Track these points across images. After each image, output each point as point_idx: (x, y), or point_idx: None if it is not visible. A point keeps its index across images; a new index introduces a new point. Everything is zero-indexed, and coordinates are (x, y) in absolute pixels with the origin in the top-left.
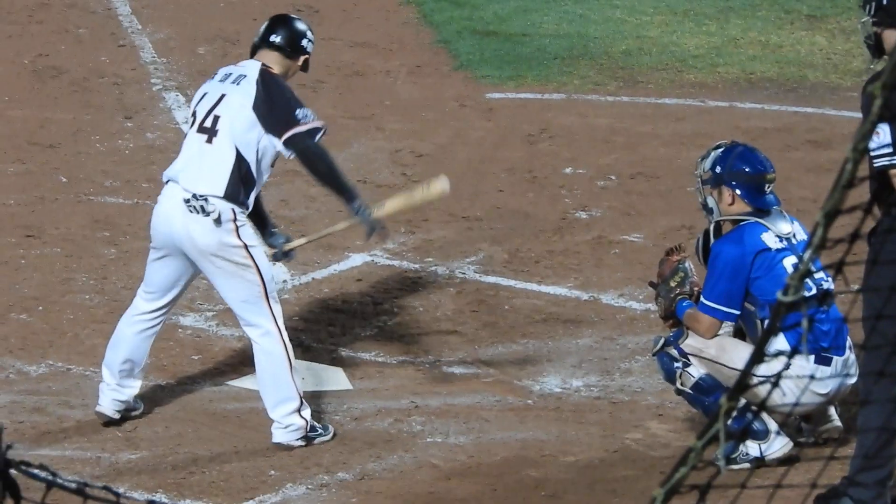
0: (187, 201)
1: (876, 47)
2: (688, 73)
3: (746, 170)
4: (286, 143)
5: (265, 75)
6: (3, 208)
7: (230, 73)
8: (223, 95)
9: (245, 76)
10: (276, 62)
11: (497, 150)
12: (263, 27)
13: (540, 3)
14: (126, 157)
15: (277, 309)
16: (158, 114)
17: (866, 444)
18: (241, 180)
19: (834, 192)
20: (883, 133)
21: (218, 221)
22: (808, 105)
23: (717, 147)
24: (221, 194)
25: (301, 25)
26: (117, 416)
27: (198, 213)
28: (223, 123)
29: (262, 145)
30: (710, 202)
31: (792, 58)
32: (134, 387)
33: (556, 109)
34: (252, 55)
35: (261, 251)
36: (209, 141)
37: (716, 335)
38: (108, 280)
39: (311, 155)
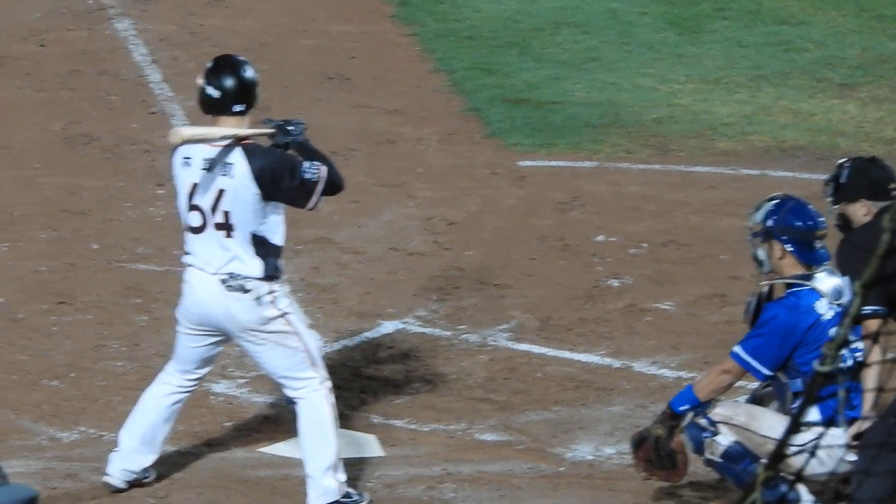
0: (224, 281)
1: None
2: (719, 140)
3: (797, 225)
4: (311, 208)
5: (250, 155)
6: (35, 275)
7: (212, 160)
8: (222, 190)
9: (231, 164)
10: (241, 123)
11: (528, 218)
12: (220, 94)
13: (571, 71)
14: (157, 223)
15: (323, 370)
16: None
17: None
18: (271, 254)
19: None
20: None
21: (258, 300)
22: None
23: (771, 199)
24: (259, 275)
25: (251, 75)
26: (126, 486)
27: (237, 290)
28: (236, 218)
29: (277, 214)
30: (761, 254)
31: (823, 126)
32: (149, 458)
33: (587, 177)
34: (208, 112)
35: (297, 317)
36: (229, 235)
37: (732, 383)
38: (139, 347)
39: (334, 192)
